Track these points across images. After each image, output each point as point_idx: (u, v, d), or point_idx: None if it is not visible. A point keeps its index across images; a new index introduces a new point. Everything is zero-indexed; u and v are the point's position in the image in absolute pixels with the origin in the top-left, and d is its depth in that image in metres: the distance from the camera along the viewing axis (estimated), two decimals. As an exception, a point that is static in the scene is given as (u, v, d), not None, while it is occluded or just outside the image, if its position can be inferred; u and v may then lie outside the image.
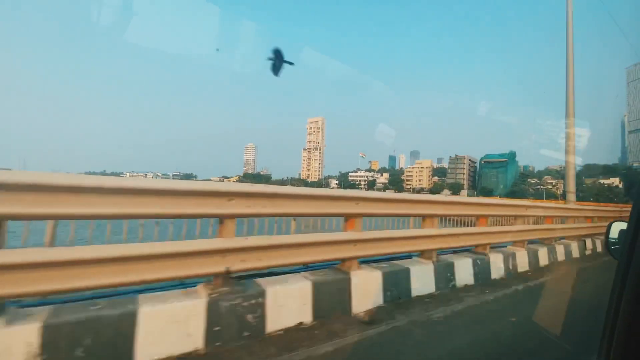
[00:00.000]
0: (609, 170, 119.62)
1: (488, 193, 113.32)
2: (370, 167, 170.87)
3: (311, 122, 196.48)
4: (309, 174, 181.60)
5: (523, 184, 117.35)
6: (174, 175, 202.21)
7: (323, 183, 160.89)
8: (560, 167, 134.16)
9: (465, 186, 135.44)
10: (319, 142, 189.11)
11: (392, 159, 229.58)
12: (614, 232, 1.61)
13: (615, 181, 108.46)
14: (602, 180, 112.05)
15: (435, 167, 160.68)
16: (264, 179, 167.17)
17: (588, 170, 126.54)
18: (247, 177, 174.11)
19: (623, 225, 1.58)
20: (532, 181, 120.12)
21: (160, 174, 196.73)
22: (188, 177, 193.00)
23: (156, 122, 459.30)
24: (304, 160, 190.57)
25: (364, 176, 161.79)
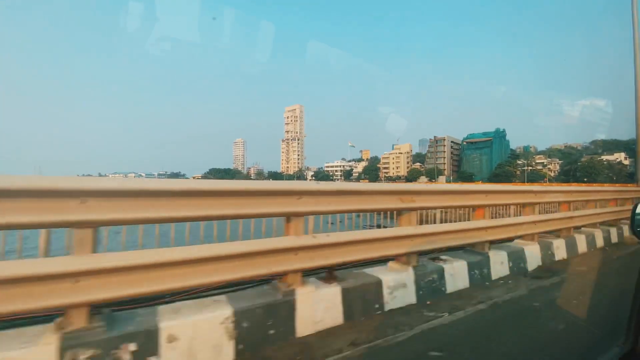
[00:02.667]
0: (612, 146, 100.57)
1: (468, 178, 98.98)
2: (362, 156, 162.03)
3: (288, 111, 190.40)
4: (288, 167, 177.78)
5: (508, 165, 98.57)
6: (159, 174, 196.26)
7: (298, 175, 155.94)
8: (565, 145, 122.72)
9: (448, 171, 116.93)
10: (297, 132, 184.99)
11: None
12: None
13: (620, 157, 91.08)
14: (604, 157, 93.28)
15: (420, 152, 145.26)
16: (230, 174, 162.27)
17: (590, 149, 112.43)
18: (212, 173, 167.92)
19: None
20: (520, 162, 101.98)
21: (143, 174, 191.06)
22: (176, 175, 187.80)
23: (140, 120, 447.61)
24: (283, 152, 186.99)
25: (340, 166, 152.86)
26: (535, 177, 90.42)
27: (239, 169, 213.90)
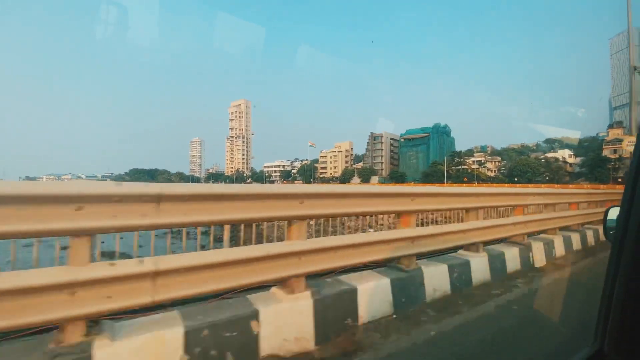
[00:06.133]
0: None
1: (399, 179, 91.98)
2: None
3: (233, 106, 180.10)
4: (232, 167, 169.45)
5: (441, 164, 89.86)
6: (103, 176, 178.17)
7: (236, 177, 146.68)
8: (522, 145, 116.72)
9: (385, 171, 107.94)
10: (242, 129, 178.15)
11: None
12: (612, 217, 1.61)
13: (564, 154, 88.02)
14: (548, 155, 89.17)
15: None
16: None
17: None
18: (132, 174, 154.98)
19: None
20: (457, 161, 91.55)
21: (83, 176, 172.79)
22: (118, 178, 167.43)
23: (85, 117, 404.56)
24: (228, 151, 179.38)
25: (280, 166, 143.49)
26: (469, 176, 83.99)
27: (195, 170, 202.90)
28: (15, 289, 1.70)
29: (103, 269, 1.91)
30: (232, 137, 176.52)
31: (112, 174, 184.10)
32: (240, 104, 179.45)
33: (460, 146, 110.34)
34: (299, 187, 2.84)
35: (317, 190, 3.05)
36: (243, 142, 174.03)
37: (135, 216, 2.02)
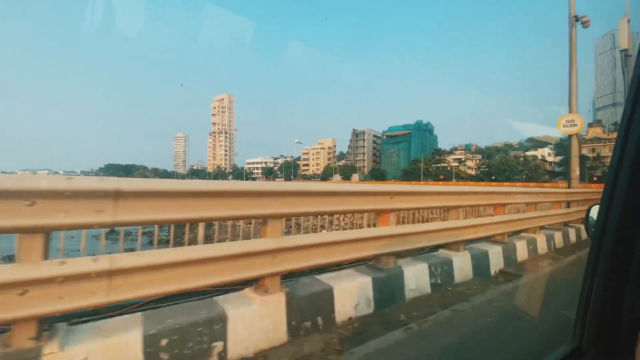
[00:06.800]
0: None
1: (380, 177, 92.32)
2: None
3: (216, 101, 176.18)
4: (214, 163, 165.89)
5: (420, 161, 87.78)
6: (83, 171, 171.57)
7: (216, 174, 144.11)
8: (505, 144, 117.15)
9: (368, 168, 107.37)
10: (225, 125, 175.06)
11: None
12: (593, 215, 1.56)
13: (544, 153, 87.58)
14: (528, 153, 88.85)
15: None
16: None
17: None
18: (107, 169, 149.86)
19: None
20: (437, 159, 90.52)
21: (61, 171, 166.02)
22: (98, 174, 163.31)
23: (66, 111, 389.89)
24: (210, 147, 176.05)
25: (262, 162, 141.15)
26: (449, 174, 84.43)
27: (180, 166, 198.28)
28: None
29: (55, 268, 1.77)
30: (214, 132, 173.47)
31: (92, 169, 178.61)
32: (223, 99, 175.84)
33: (446, 144, 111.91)
34: (275, 185, 2.73)
35: (292, 188, 2.94)
36: (226, 137, 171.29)
37: (90, 213, 1.87)
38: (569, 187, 10.91)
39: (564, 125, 10.77)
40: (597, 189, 14.12)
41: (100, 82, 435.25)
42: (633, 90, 0.83)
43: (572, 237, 7.57)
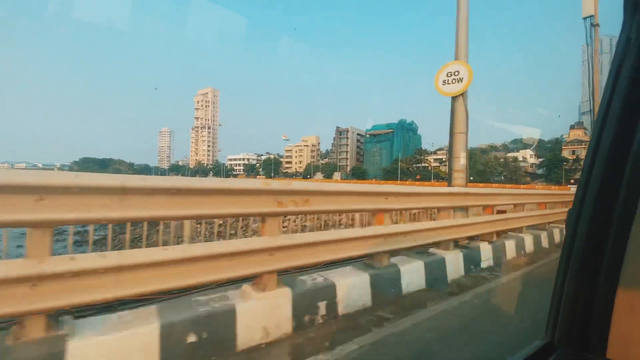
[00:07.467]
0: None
1: (361, 176, 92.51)
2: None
3: (200, 94, 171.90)
4: (197, 159, 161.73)
5: (402, 161, 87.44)
6: (62, 165, 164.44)
7: (197, 169, 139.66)
8: (490, 145, 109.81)
9: (350, 167, 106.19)
10: (208, 120, 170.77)
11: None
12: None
13: (526, 154, 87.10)
14: (509, 155, 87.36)
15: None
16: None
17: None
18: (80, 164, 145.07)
19: None
20: (419, 158, 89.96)
21: (40, 164, 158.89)
22: (73, 168, 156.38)
23: (48, 102, 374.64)
24: (192, 142, 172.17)
25: (244, 159, 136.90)
26: (428, 174, 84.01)
27: (164, 161, 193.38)
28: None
29: (64, 263, 1.81)
30: (197, 127, 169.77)
31: (70, 162, 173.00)
32: (207, 92, 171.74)
33: (430, 144, 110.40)
34: (275, 185, 2.77)
35: (292, 188, 2.97)
36: (209, 132, 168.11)
37: (97, 208, 1.90)
38: (449, 185, 6.59)
39: (445, 82, 6.55)
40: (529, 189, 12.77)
41: (82, 75, 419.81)
42: (607, 93, 0.86)
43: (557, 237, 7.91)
